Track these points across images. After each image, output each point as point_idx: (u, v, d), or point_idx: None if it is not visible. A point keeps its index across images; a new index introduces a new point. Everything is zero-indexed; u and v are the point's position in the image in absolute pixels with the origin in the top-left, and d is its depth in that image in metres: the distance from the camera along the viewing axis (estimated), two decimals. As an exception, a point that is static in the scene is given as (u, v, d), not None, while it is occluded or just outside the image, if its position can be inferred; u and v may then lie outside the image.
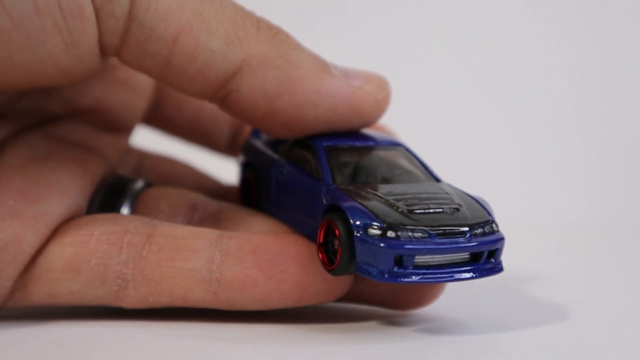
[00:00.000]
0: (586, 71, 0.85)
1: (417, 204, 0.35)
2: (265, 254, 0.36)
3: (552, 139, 0.83)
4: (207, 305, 0.37)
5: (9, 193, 0.36)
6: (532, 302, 0.44)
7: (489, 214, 0.36)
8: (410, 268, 0.34)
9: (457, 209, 0.36)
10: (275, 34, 0.36)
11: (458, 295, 0.43)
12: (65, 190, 0.38)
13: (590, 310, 0.42)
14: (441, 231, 0.34)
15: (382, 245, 0.34)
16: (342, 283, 0.37)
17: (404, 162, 0.40)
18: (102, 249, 0.36)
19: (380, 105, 0.38)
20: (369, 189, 0.36)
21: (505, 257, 0.37)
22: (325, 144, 0.38)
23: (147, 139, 0.49)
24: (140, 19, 0.33)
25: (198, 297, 0.36)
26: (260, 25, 0.36)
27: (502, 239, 0.36)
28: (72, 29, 0.33)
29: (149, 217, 0.39)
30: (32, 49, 0.32)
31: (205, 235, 0.37)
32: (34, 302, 0.37)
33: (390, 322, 0.39)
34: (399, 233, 0.34)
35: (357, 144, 0.39)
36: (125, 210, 0.41)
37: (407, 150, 0.40)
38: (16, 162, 0.38)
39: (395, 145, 0.41)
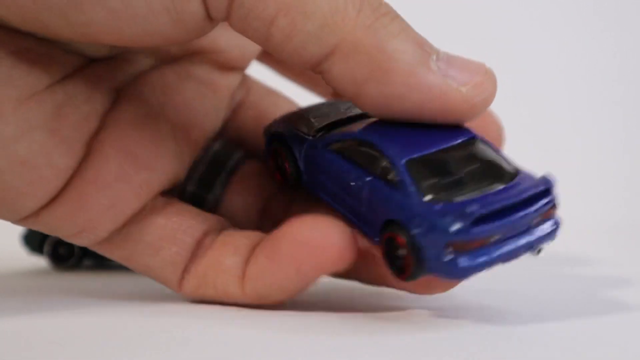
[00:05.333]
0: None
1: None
2: (281, 249, 0.38)
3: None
4: (241, 300, 0.40)
5: (125, 156, 0.40)
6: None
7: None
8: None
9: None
10: (378, 18, 0.35)
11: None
12: (170, 161, 0.41)
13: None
14: None
15: None
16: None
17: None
18: (185, 241, 0.41)
19: (475, 109, 0.36)
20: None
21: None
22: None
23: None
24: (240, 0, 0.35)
25: (234, 292, 0.39)
26: (364, 6, 0.35)
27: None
28: (178, 9, 0.35)
29: (228, 222, 0.43)
30: (141, 25, 0.35)
31: (252, 237, 0.41)
32: (113, 257, 0.41)
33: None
34: None
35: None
36: (219, 186, 0.45)
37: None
38: (132, 118, 0.41)
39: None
